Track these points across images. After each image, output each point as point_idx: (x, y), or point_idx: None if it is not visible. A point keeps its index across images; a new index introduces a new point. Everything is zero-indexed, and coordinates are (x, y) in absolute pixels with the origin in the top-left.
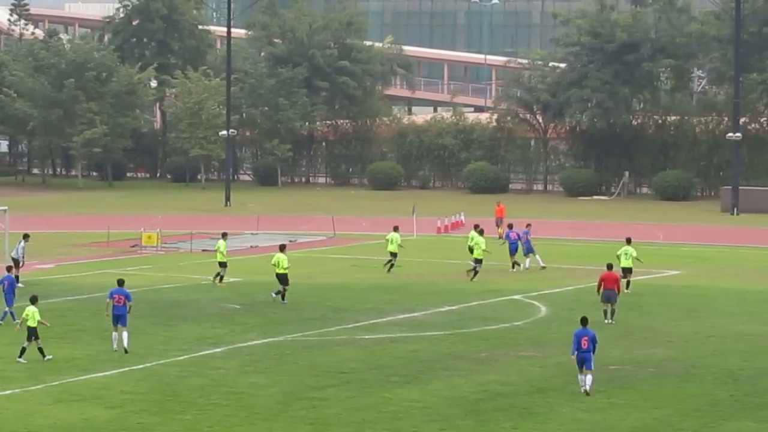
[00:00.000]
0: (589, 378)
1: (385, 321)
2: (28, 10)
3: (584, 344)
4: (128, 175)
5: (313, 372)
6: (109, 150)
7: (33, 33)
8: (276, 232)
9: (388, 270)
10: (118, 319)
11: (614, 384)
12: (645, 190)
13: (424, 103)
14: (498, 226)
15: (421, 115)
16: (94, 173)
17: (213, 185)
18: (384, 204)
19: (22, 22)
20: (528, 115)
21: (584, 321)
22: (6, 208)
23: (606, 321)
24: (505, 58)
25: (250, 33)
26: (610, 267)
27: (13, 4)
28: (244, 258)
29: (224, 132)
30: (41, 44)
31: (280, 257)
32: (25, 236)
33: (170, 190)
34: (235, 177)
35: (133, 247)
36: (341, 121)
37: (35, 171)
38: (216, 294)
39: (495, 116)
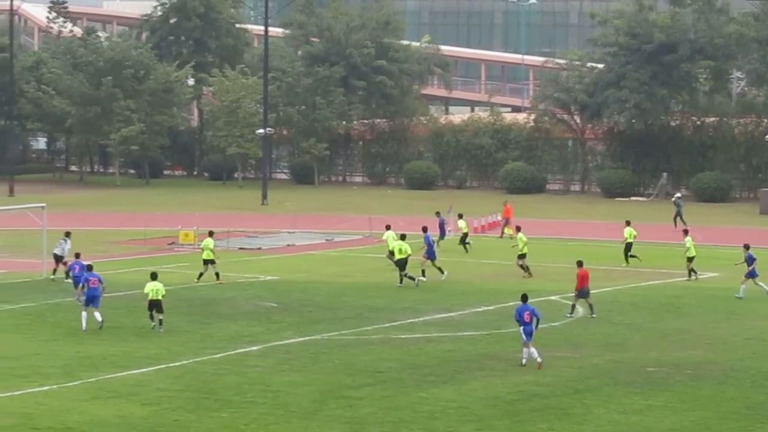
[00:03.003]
0: (533, 350)
1: (422, 320)
2: (66, 7)
3: (527, 317)
4: (165, 173)
5: (349, 371)
6: (146, 148)
7: (71, 31)
8: (312, 230)
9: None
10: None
11: (651, 386)
12: (683, 191)
13: (461, 103)
14: (505, 225)
15: (458, 115)
16: (132, 171)
17: (250, 183)
18: (420, 203)
19: (61, 19)
20: (565, 116)
21: (524, 297)
22: (44, 205)
23: (593, 315)
24: (542, 58)
25: (287, 32)
26: (580, 264)
27: (51, 2)
28: (280, 256)
29: (261, 130)
30: (79, 42)
31: (402, 245)
32: (68, 234)
33: (207, 188)
34: (272, 175)
35: (170, 244)
36: (378, 120)
37: (73, 168)
38: (252, 292)
39: (532, 116)
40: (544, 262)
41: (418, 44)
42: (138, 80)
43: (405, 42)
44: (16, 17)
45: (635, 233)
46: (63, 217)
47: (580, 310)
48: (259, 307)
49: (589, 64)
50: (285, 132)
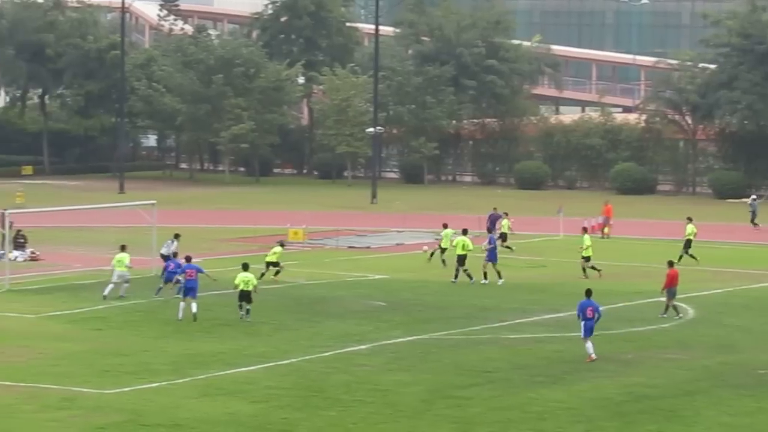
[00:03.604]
0: (589, 345)
1: (530, 321)
2: (177, 5)
3: (589, 313)
4: (275, 171)
5: (458, 370)
6: (256, 146)
7: (182, 28)
8: (421, 229)
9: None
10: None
11: (763, 388)
12: None
13: (572, 103)
14: (605, 225)
15: (569, 115)
16: (241, 169)
17: (359, 182)
18: (530, 204)
19: (172, 17)
20: (676, 116)
21: (588, 293)
22: (154, 202)
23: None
24: (653, 59)
25: (397, 30)
26: (671, 264)
27: (163, 0)
28: (389, 255)
29: (371, 129)
30: (190, 40)
31: (465, 240)
32: (176, 236)
33: (316, 187)
34: (381, 174)
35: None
36: (488, 119)
37: (183, 166)
38: (361, 291)
39: (643, 117)
40: (653, 263)
41: (528, 44)
42: (248, 78)
43: (516, 41)
44: (128, 15)
45: (695, 231)
46: (172, 214)
47: (690, 310)
48: (368, 306)
49: (701, 65)
50: (395, 131)
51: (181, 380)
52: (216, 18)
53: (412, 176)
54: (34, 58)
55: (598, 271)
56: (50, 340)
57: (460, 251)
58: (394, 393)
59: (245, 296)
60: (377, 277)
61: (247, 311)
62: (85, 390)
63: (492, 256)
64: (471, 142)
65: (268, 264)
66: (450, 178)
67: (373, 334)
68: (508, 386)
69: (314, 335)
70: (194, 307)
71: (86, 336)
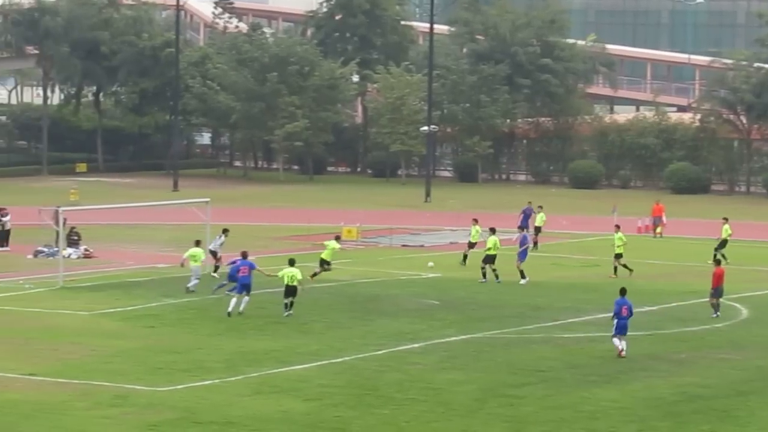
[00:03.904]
0: (624, 343)
1: (583, 320)
2: (232, 3)
3: (624, 312)
4: (329, 169)
5: (511, 369)
6: (310, 144)
7: (237, 26)
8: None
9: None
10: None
11: None
12: None
13: (626, 102)
14: (656, 225)
15: (623, 114)
16: (295, 167)
17: (413, 181)
18: (584, 203)
19: (226, 15)
20: (731, 116)
21: (623, 291)
22: (208, 200)
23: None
24: (708, 58)
25: (452, 29)
26: (718, 263)
27: None
28: (443, 254)
29: (425, 128)
30: (245, 38)
31: (495, 239)
32: (225, 231)
33: (370, 185)
34: (435, 173)
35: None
36: (542, 118)
37: (237, 164)
38: (414, 289)
39: (698, 116)
40: (706, 263)
41: (583, 43)
42: (303, 76)
43: (570, 40)
44: (183, 13)
45: (731, 232)
46: (226, 212)
47: (744, 310)
48: (422, 305)
49: (756, 65)
50: (449, 129)
51: (234, 378)
52: (271, 16)
53: (466, 175)
54: (89, 56)
55: (630, 270)
56: (103, 337)
57: (492, 251)
58: (447, 392)
59: (291, 291)
60: (430, 275)
61: (290, 304)
62: (137, 387)
63: (523, 256)
64: (525, 141)
65: (322, 262)
66: (504, 177)
67: (426, 332)
68: (560, 385)
69: (367, 333)
70: (243, 305)
71: (139, 333)
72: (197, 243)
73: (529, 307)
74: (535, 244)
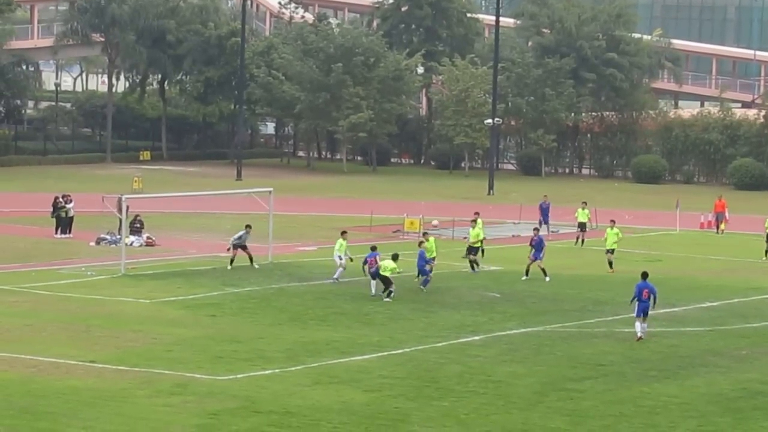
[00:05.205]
0: (645, 325)
1: None
2: None
3: (644, 295)
4: (392, 160)
5: (571, 363)
6: (374, 135)
7: (303, 17)
8: (537, 222)
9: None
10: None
11: None
12: None
13: (691, 98)
14: (719, 221)
15: (688, 110)
16: (359, 158)
17: (476, 173)
18: (647, 198)
19: (293, 5)
20: None
21: (644, 275)
22: (271, 189)
23: None
24: None
25: (518, 22)
26: None
27: None
28: (505, 247)
29: (489, 120)
30: (310, 28)
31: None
32: (248, 226)
33: (433, 177)
34: (499, 166)
35: (395, 232)
36: (607, 113)
37: (300, 154)
38: (476, 282)
39: (762, 113)
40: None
41: (649, 38)
42: (368, 68)
43: (636, 35)
44: (249, 2)
45: None
46: (289, 202)
47: None
48: (483, 297)
49: None
50: (513, 123)
51: (294, 368)
52: (337, 7)
53: (529, 168)
54: (155, 44)
55: (611, 270)
56: (164, 325)
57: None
58: (507, 384)
59: (384, 279)
60: (492, 268)
61: (388, 293)
62: (198, 376)
63: (537, 253)
64: (589, 135)
65: (383, 278)
66: (567, 170)
67: (487, 325)
68: (621, 380)
69: (428, 325)
70: (373, 288)
71: (200, 322)
72: (342, 234)
73: (590, 301)
74: (582, 241)
